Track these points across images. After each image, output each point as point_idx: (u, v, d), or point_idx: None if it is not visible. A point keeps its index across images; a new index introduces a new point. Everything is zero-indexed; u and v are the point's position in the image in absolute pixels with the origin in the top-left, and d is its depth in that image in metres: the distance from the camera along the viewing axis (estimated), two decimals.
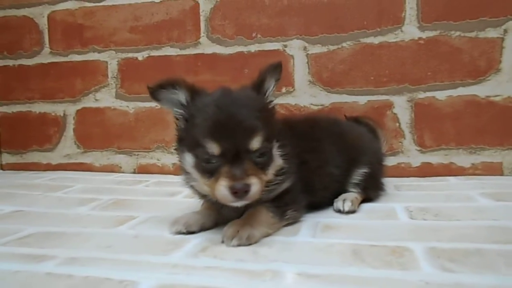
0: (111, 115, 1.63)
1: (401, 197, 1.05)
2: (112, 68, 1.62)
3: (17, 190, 1.26)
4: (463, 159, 1.33)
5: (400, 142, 1.38)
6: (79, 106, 1.67)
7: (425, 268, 0.56)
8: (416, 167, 1.37)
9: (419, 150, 1.37)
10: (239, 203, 0.69)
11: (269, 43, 1.46)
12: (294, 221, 0.81)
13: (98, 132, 1.65)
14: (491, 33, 1.30)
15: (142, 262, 0.62)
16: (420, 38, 1.34)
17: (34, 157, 1.74)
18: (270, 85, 0.79)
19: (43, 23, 1.69)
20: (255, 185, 0.68)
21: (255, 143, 0.70)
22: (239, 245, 0.68)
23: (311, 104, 1.43)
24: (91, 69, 1.65)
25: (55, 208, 1.02)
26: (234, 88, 0.79)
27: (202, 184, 0.73)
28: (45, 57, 1.69)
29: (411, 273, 0.55)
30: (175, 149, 0.82)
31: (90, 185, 1.34)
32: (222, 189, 0.67)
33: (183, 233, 0.76)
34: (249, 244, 0.69)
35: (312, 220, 0.84)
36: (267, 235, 0.74)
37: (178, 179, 0.86)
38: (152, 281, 0.55)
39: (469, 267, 0.56)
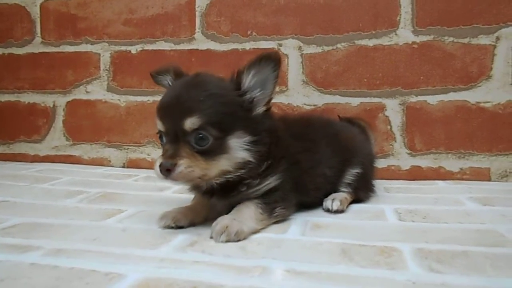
0: (102, 108, 1.62)
1: (391, 199, 1.06)
2: (105, 60, 1.61)
3: (3, 181, 1.24)
4: (452, 163, 1.35)
5: (391, 144, 1.39)
6: (69, 97, 1.65)
7: (413, 268, 0.57)
8: (406, 170, 1.38)
9: (409, 154, 1.38)
10: (168, 181, 0.71)
11: (264, 41, 1.46)
12: (283, 218, 0.81)
13: (88, 125, 1.63)
14: (484, 40, 1.31)
15: (129, 255, 0.61)
16: (414, 42, 1.35)
17: (22, 148, 1.71)
18: (249, 78, 0.76)
19: (35, 12, 1.66)
20: (180, 167, 0.69)
21: (188, 123, 0.70)
22: (227, 241, 0.68)
23: (304, 104, 1.44)
24: (83, 61, 1.63)
25: (42, 200, 1.00)
26: (210, 75, 0.81)
27: None
28: (36, 47, 1.67)
29: (398, 272, 0.55)
30: None
31: (78, 178, 1.33)
32: (155, 165, 0.71)
33: (172, 228, 0.76)
34: (238, 240, 0.69)
35: (301, 219, 0.84)
36: (255, 231, 0.74)
37: None
38: (139, 274, 0.54)
39: (456, 268, 0.57)
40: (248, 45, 1.47)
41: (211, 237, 0.70)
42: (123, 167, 1.60)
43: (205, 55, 1.51)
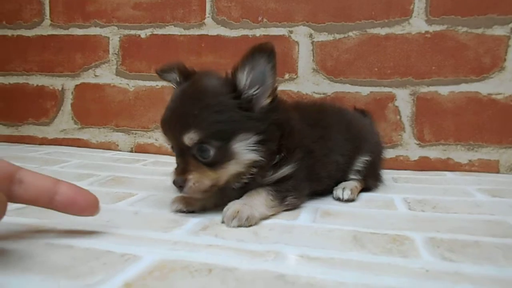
0: (111, 92, 1.62)
1: (399, 188, 1.06)
2: (114, 44, 1.60)
3: (13, 162, 1.25)
4: (460, 155, 1.34)
5: (400, 135, 1.38)
6: (78, 81, 1.65)
7: (425, 257, 0.57)
8: (414, 160, 1.37)
9: (418, 144, 1.37)
10: (184, 194, 0.74)
11: (274, 28, 1.45)
12: (293, 207, 0.81)
13: (96, 109, 1.64)
14: (498, 30, 1.29)
15: (143, 238, 0.62)
16: (427, 32, 1.34)
17: (30, 130, 1.72)
18: (244, 76, 0.72)
19: None
20: (189, 182, 0.71)
21: (187, 139, 0.71)
22: (239, 226, 0.69)
23: (314, 92, 1.43)
24: (92, 44, 1.62)
25: None
26: (211, 76, 0.78)
27: None
28: (45, 29, 1.66)
29: (412, 260, 0.55)
30: None
31: (87, 161, 1.33)
32: (171, 182, 0.74)
33: (183, 212, 0.76)
34: (249, 226, 0.69)
35: (311, 206, 0.84)
36: (266, 217, 0.74)
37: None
38: (154, 256, 0.55)
39: (468, 257, 0.57)
40: (259, 32, 1.46)
41: (223, 222, 0.70)
42: (131, 151, 1.60)
43: (215, 41, 1.50)
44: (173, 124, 0.74)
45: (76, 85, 1.65)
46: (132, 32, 1.58)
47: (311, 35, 1.42)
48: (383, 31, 1.37)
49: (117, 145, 1.62)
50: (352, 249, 0.60)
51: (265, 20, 1.45)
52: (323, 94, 1.42)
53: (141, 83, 1.58)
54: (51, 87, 1.68)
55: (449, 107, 1.34)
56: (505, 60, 1.29)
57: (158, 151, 1.57)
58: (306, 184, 0.84)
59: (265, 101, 0.75)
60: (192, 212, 0.77)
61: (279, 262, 0.53)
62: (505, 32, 1.29)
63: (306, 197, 0.85)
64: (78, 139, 1.66)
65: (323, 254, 0.57)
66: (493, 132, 1.32)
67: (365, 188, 0.99)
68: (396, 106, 1.38)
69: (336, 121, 0.97)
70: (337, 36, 1.40)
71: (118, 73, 1.60)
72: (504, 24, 1.29)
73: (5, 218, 0.69)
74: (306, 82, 1.43)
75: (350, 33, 1.39)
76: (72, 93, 1.66)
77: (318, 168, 0.87)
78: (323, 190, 0.92)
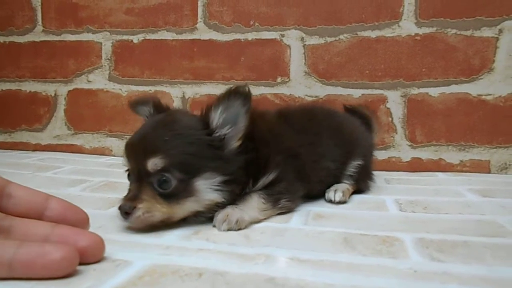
0: (104, 97, 1.62)
1: (391, 190, 1.07)
2: (106, 49, 1.60)
3: (6, 169, 1.25)
4: (452, 155, 1.36)
5: (392, 136, 1.39)
6: (71, 86, 1.65)
7: (414, 257, 0.58)
8: (406, 161, 1.38)
9: (410, 145, 1.38)
10: (128, 223, 0.68)
11: (266, 32, 1.46)
12: (288, 210, 0.81)
13: (89, 114, 1.64)
14: (487, 32, 1.31)
15: (135, 243, 0.62)
16: (416, 34, 1.35)
17: (23, 136, 1.71)
18: (217, 115, 0.71)
19: (36, 0, 1.65)
20: (138, 211, 0.65)
21: (151, 164, 0.67)
22: (229, 229, 0.69)
23: (306, 95, 1.44)
24: (85, 50, 1.62)
25: (46, 188, 0.99)
26: (183, 113, 0.81)
27: None
28: (37, 35, 1.66)
29: (400, 261, 0.56)
30: None
31: (80, 167, 1.33)
32: (118, 205, 0.68)
33: None
34: (239, 229, 0.69)
35: (303, 209, 0.85)
36: (257, 220, 0.74)
37: None
38: (145, 261, 0.55)
39: (456, 257, 0.58)
40: (251, 36, 1.47)
41: (214, 226, 0.71)
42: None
43: (207, 45, 1.50)
44: (140, 147, 0.71)
45: (69, 91, 1.65)
46: (125, 37, 1.58)
47: (302, 39, 1.43)
48: (373, 34, 1.38)
49: (111, 150, 1.62)
50: (342, 251, 0.60)
51: (257, 24, 1.46)
52: (315, 97, 1.43)
53: (134, 88, 1.58)
54: (44, 93, 1.68)
55: (439, 108, 1.35)
56: (493, 61, 1.31)
57: None
58: (299, 185, 0.84)
59: (236, 143, 0.73)
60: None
61: (269, 265, 0.54)
62: (494, 34, 1.31)
63: (300, 200, 0.85)
64: (72, 144, 1.66)
65: (313, 256, 0.57)
66: (483, 133, 1.34)
67: (358, 190, 1.00)
68: (388, 108, 1.39)
69: (326, 127, 0.97)
70: (328, 39, 1.41)
71: (111, 79, 1.61)
72: (492, 26, 1.30)
73: None
74: (298, 85, 1.44)
75: (341, 36, 1.40)
76: (65, 99, 1.66)
77: (308, 172, 0.87)
78: (315, 194, 0.92)
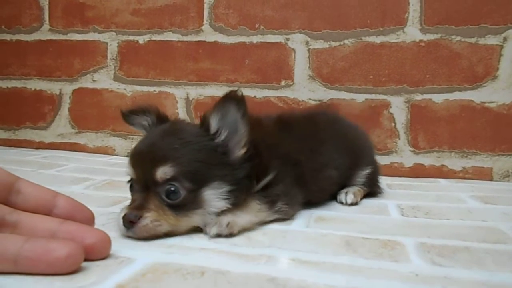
0: (108, 97, 1.63)
1: (393, 195, 1.07)
2: (112, 49, 1.61)
3: (10, 166, 1.25)
4: (454, 162, 1.36)
5: (395, 142, 1.40)
6: (76, 85, 1.66)
7: (416, 261, 0.58)
8: (409, 167, 1.39)
9: (412, 151, 1.39)
10: (129, 234, 0.63)
11: (271, 35, 1.46)
12: (287, 217, 0.78)
13: (93, 113, 1.65)
14: (491, 40, 1.31)
15: (137, 241, 0.63)
16: (421, 41, 1.36)
17: (27, 134, 1.72)
18: (216, 121, 0.70)
19: None
20: (146, 219, 0.62)
21: (160, 173, 0.64)
22: (218, 234, 0.64)
23: (310, 99, 1.44)
24: (91, 49, 1.63)
25: (49, 185, 0.99)
26: (187, 123, 0.79)
27: None
28: (44, 34, 1.67)
29: (402, 265, 0.56)
30: None
31: (83, 165, 1.34)
32: (119, 215, 0.64)
33: None
34: (231, 234, 0.66)
35: (305, 212, 0.85)
36: (253, 223, 0.71)
37: None
38: (148, 258, 0.55)
39: (458, 262, 0.58)
40: (256, 39, 1.48)
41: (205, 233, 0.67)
42: (127, 156, 1.60)
43: (212, 47, 1.51)
44: (148, 156, 0.67)
45: (74, 90, 1.66)
46: (131, 37, 1.59)
47: (307, 43, 1.44)
48: (378, 40, 1.39)
49: (114, 150, 1.63)
50: (344, 253, 0.60)
51: (262, 27, 1.47)
52: (319, 100, 1.43)
53: (138, 88, 1.59)
54: (49, 92, 1.69)
55: (443, 115, 1.36)
56: (497, 69, 1.31)
57: None
58: (297, 190, 0.80)
59: (241, 150, 0.71)
60: None
61: (271, 266, 0.54)
62: (498, 42, 1.31)
63: (299, 206, 0.82)
64: (75, 143, 1.67)
65: (315, 258, 0.58)
66: (486, 140, 1.34)
67: (370, 193, 1.01)
68: (391, 114, 1.39)
69: (330, 134, 0.95)
70: (333, 43, 1.42)
71: (116, 78, 1.62)
72: (497, 34, 1.31)
73: None
74: (302, 89, 1.44)
75: (346, 41, 1.41)
76: (69, 97, 1.67)
77: (308, 179, 0.84)
78: (318, 202, 0.90)
